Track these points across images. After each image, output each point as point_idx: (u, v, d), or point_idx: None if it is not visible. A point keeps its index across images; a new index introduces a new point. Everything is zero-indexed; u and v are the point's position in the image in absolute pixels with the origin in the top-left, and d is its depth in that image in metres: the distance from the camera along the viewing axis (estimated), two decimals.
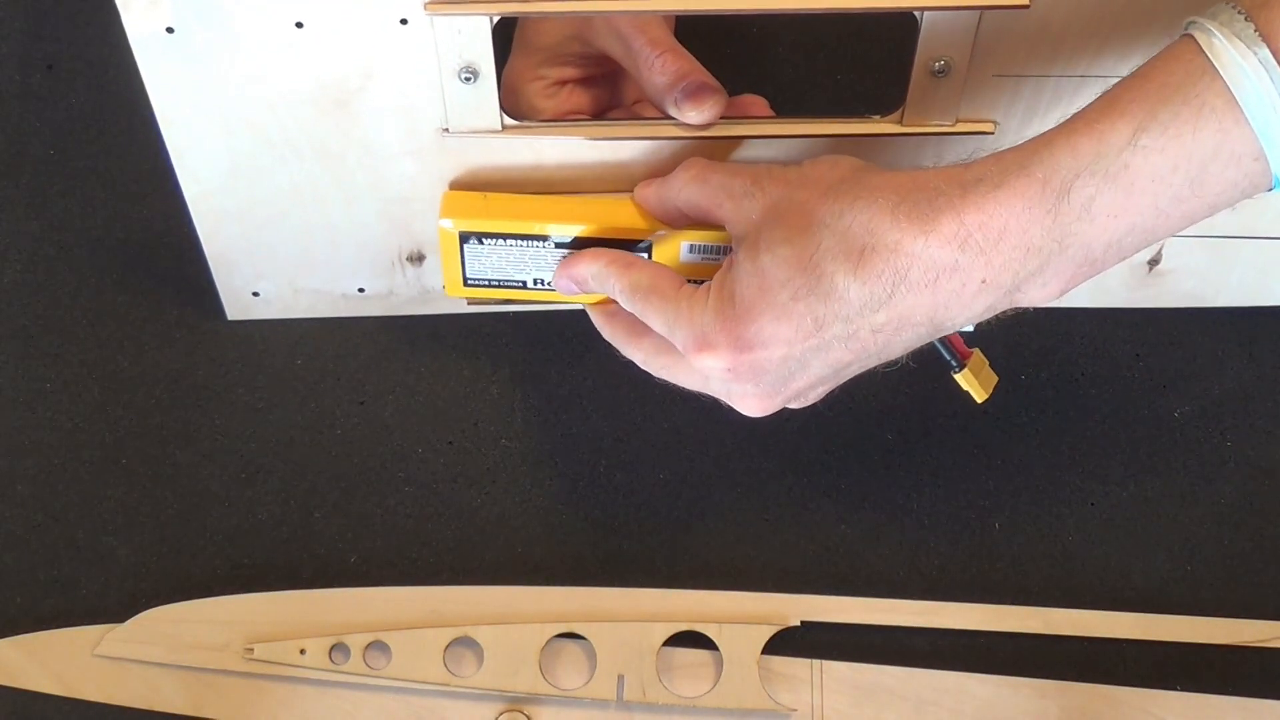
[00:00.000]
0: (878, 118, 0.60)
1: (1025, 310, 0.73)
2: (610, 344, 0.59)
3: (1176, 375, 0.70)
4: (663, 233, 0.58)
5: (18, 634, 0.63)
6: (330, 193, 0.63)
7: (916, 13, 0.55)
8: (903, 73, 0.58)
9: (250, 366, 0.70)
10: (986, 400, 0.57)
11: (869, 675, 0.62)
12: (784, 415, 0.69)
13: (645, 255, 0.58)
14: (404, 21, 0.54)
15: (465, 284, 0.61)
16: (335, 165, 0.61)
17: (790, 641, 0.63)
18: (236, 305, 0.69)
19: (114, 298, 0.71)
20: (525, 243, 0.59)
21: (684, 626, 0.62)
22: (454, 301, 0.69)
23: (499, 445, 0.68)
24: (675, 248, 0.58)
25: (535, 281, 0.61)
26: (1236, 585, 0.65)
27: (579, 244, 0.59)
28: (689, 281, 0.55)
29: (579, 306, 0.61)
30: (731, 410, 0.70)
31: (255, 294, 0.69)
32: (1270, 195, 0.65)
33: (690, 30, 0.65)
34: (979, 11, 0.55)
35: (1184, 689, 0.62)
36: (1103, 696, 0.62)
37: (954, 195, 0.47)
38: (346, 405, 0.69)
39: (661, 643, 0.62)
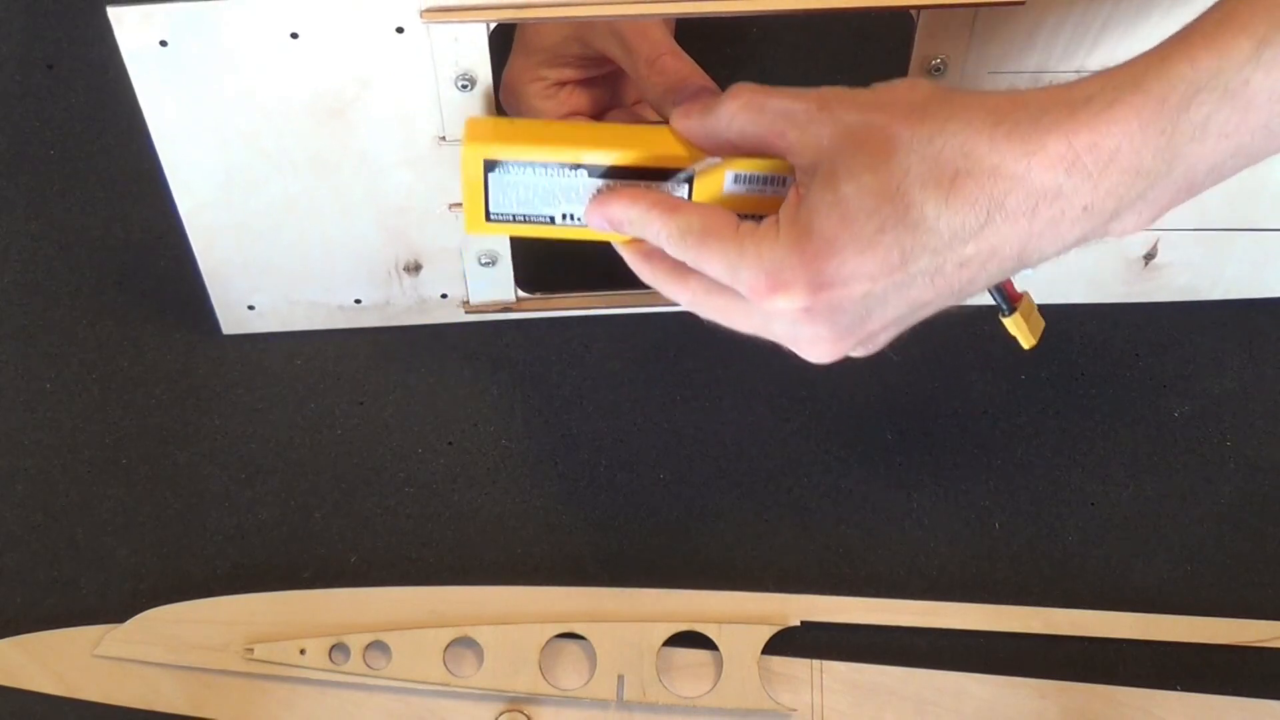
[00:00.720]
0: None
1: None
2: (644, 287, 0.55)
3: (1176, 375, 0.70)
4: (710, 162, 0.53)
5: (18, 634, 0.63)
6: (326, 204, 0.62)
7: (913, 11, 0.55)
8: (900, 72, 0.58)
9: (250, 367, 0.70)
10: (1034, 347, 0.56)
11: (869, 675, 0.62)
12: (783, 415, 0.69)
13: (686, 186, 0.54)
14: (400, 30, 0.54)
15: (488, 219, 0.56)
16: (331, 176, 0.61)
17: (790, 641, 0.63)
18: (231, 319, 0.69)
19: (114, 298, 0.71)
20: (556, 171, 0.54)
21: (684, 626, 0.62)
22: (451, 311, 0.69)
23: (499, 445, 0.68)
24: (720, 179, 0.53)
25: (565, 217, 0.55)
26: (1236, 585, 0.65)
27: (614, 174, 0.54)
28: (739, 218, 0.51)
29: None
30: (732, 409, 0.70)
31: (251, 307, 0.69)
32: (1265, 188, 0.65)
33: (690, 32, 0.65)
34: (974, 10, 0.55)
35: (1184, 689, 0.62)
36: (1103, 696, 0.62)
37: (1061, 115, 0.44)
38: (346, 406, 0.69)
39: (661, 643, 0.62)
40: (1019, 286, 0.54)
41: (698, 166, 0.53)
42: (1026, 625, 0.64)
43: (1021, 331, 0.55)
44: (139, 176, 0.74)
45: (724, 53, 0.76)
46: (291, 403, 0.69)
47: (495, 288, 0.68)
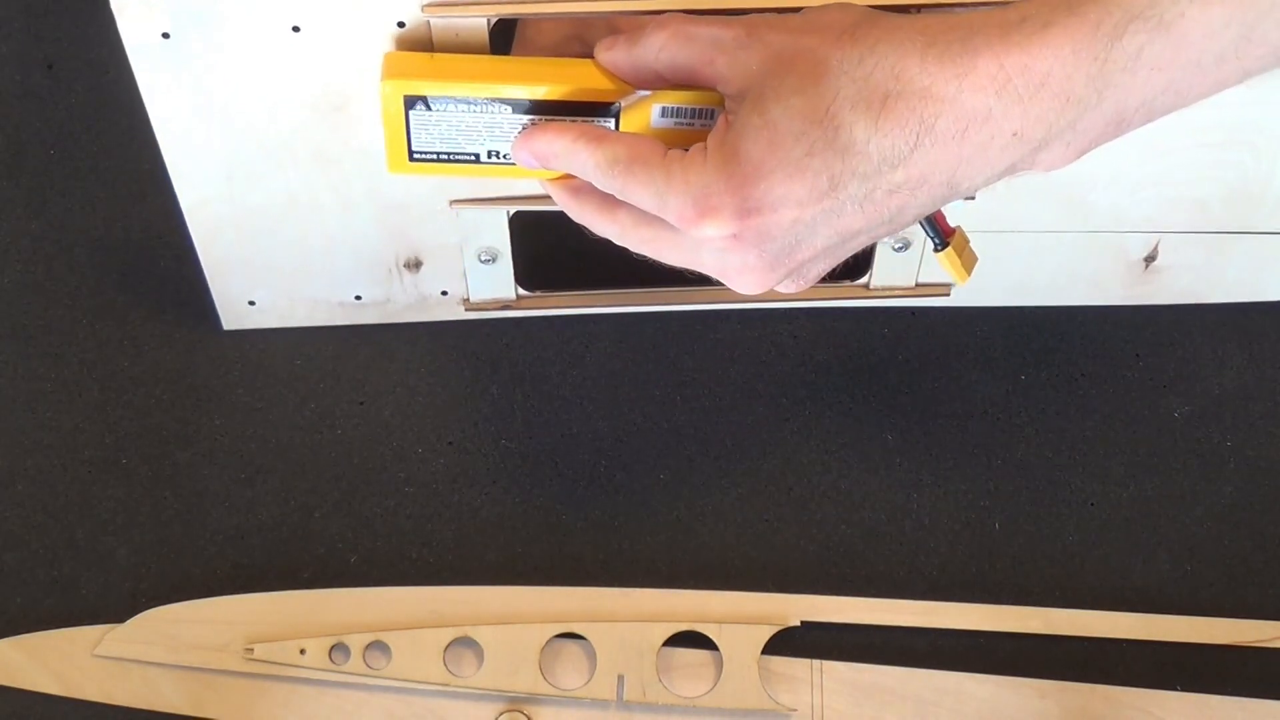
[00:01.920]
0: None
1: (1025, 310, 0.74)
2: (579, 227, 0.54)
3: (1176, 375, 0.70)
4: (637, 95, 0.52)
5: (18, 634, 0.63)
6: (327, 199, 0.63)
7: (913, 10, 0.55)
8: None
9: (250, 367, 0.70)
10: (966, 282, 0.54)
11: (869, 675, 0.62)
12: (783, 415, 0.69)
13: (613, 121, 0.53)
14: (401, 24, 0.54)
15: (411, 158, 0.54)
16: (332, 171, 0.61)
17: (790, 641, 0.63)
18: (232, 315, 0.69)
19: (114, 298, 0.71)
20: (479, 107, 0.53)
21: (684, 626, 0.62)
22: (451, 309, 0.69)
23: (499, 445, 0.68)
24: (646, 113, 0.52)
25: (490, 154, 0.54)
26: (1236, 585, 0.65)
27: (539, 109, 0.53)
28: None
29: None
30: (732, 409, 0.70)
31: (251, 303, 0.69)
32: (1266, 192, 0.65)
33: None
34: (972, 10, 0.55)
35: (1184, 689, 0.62)
36: (1103, 696, 0.62)
37: (993, 36, 0.43)
38: (346, 405, 0.69)
39: (661, 643, 0.62)
40: (951, 221, 0.53)
41: (624, 101, 0.52)
42: (1026, 625, 0.64)
43: (955, 267, 0.53)
44: (139, 176, 0.74)
45: None
46: (291, 403, 0.69)
47: (495, 285, 0.68)
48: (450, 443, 0.68)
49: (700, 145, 0.48)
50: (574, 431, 0.68)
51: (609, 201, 0.51)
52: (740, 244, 0.48)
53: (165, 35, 0.55)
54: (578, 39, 0.62)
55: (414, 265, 0.67)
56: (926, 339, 0.71)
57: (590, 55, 0.62)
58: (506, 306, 0.70)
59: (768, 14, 0.49)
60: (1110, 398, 0.70)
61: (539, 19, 0.62)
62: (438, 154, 0.54)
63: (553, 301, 0.70)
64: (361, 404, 0.69)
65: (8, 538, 0.66)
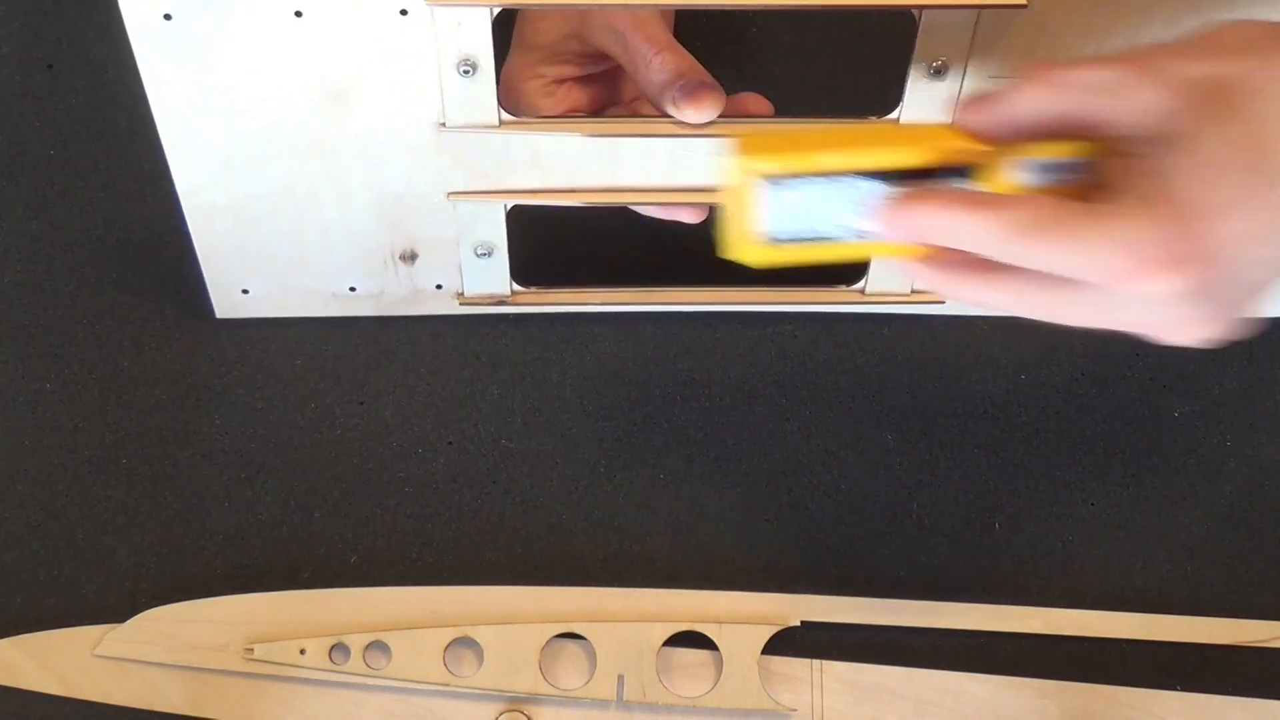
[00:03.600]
0: (874, 118, 0.60)
1: None
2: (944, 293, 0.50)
3: (1176, 375, 0.70)
4: (1003, 154, 0.48)
5: (18, 634, 0.63)
6: (324, 188, 0.63)
7: (915, 11, 0.55)
8: (900, 74, 0.58)
9: (250, 366, 0.70)
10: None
11: (869, 675, 0.62)
12: (783, 415, 0.69)
13: (975, 184, 0.48)
14: (404, 13, 0.54)
15: (766, 242, 0.49)
16: (330, 160, 0.61)
17: (790, 641, 0.63)
18: (226, 302, 0.69)
19: (114, 298, 0.71)
20: (840, 184, 0.48)
21: (684, 626, 0.62)
22: (445, 302, 0.69)
23: (499, 445, 0.68)
24: (1013, 172, 0.48)
25: (848, 231, 0.49)
26: (1236, 585, 0.65)
27: (897, 179, 0.48)
28: None
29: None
30: (732, 409, 0.70)
31: (245, 291, 0.69)
32: None
33: (690, 29, 0.65)
34: (977, 11, 0.55)
35: (1184, 689, 0.62)
36: (1103, 696, 0.62)
37: None
38: (346, 405, 0.69)
39: (661, 643, 0.62)
40: None
41: (991, 161, 0.48)
42: (1026, 625, 0.64)
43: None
44: (139, 176, 0.74)
45: (723, 52, 0.76)
46: (291, 403, 0.69)
47: (490, 280, 0.68)
48: (450, 443, 0.68)
49: (1106, 200, 0.45)
50: (574, 431, 0.68)
51: (994, 270, 0.47)
52: (1202, 294, 0.44)
53: (167, 16, 0.55)
54: (575, 36, 0.62)
55: (409, 257, 0.67)
56: (927, 339, 0.71)
57: (590, 54, 0.62)
58: (501, 302, 0.69)
59: (1148, 45, 0.46)
60: (1110, 398, 0.70)
61: (542, 9, 0.61)
62: (797, 236, 0.49)
63: (548, 298, 0.70)
64: (361, 404, 0.69)
65: (8, 538, 0.66)
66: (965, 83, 0.58)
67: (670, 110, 0.58)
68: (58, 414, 0.69)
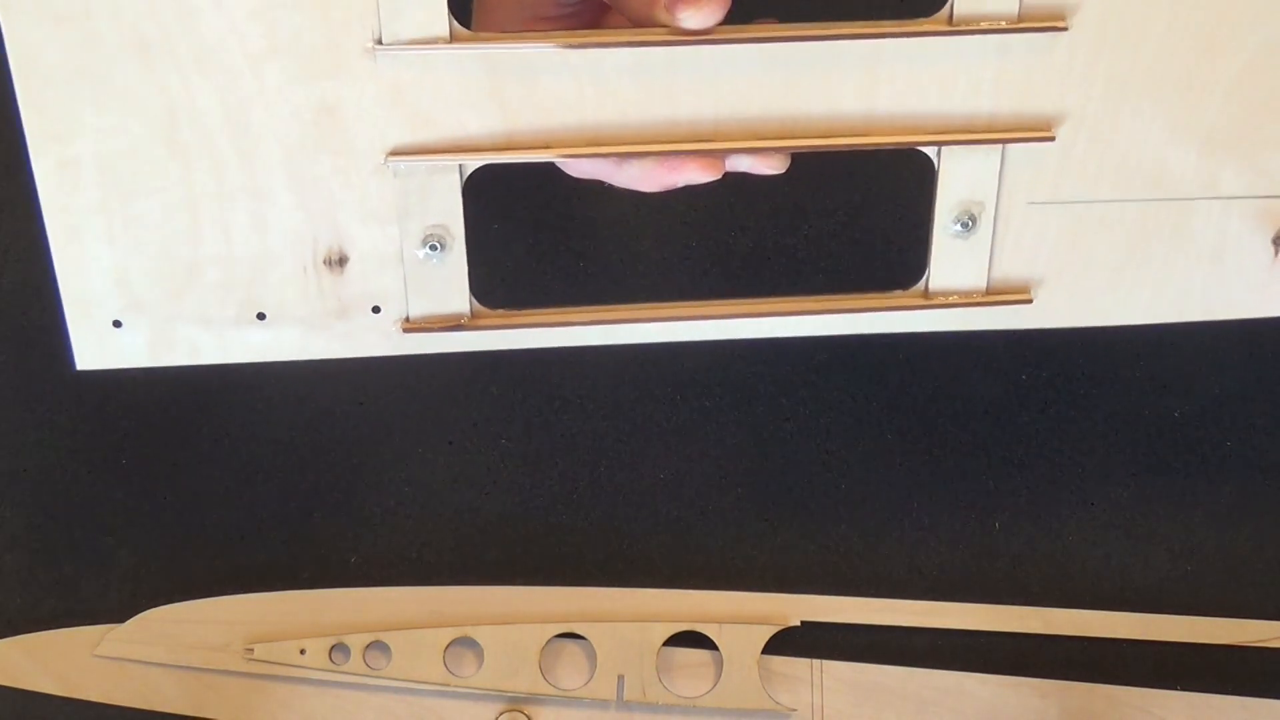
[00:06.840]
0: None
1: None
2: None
3: (1176, 375, 0.70)
4: None
5: (18, 634, 0.63)
6: (220, 142, 0.48)
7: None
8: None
9: (250, 366, 0.70)
10: None
11: (869, 675, 0.62)
12: (783, 415, 0.69)
13: None
14: None
15: None
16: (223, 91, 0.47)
17: (790, 641, 0.63)
18: (89, 343, 0.52)
19: None
20: None
21: (684, 626, 0.62)
22: (385, 333, 0.55)
23: (499, 445, 0.68)
24: None
25: None
26: (1236, 585, 0.65)
27: None
28: None
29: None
30: (732, 409, 0.70)
31: (117, 324, 0.52)
32: None
33: None
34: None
35: (1184, 689, 0.62)
36: (1103, 696, 0.62)
37: None
38: (346, 406, 0.69)
39: (661, 643, 0.62)
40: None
41: None
42: (1026, 625, 0.64)
43: None
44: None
45: None
46: (291, 403, 0.69)
47: (444, 292, 0.53)
48: (450, 443, 0.68)
49: None
50: (574, 431, 0.68)
51: None
52: None
53: None
54: (531, 12, 0.54)
55: (337, 262, 0.52)
56: (927, 339, 0.71)
57: (551, 30, 0.55)
58: (458, 326, 0.54)
59: None
60: (1110, 398, 0.70)
61: None
62: None
63: (518, 320, 0.54)
64: (361, 404, 0.69)
65: (8, 538, 0.66)
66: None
67: (664, 19, 0.47)
68: (58, 414, 0.69)
